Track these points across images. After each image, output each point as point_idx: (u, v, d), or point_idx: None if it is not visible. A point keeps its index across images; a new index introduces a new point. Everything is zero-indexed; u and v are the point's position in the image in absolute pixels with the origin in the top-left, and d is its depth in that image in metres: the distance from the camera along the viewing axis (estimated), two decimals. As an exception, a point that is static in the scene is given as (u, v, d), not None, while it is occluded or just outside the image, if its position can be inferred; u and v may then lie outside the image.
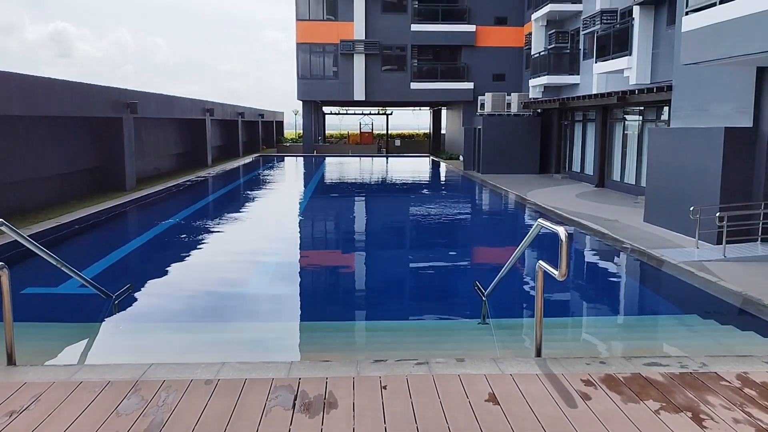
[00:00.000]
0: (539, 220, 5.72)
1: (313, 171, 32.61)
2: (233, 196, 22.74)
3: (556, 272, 4.96)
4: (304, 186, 27.05)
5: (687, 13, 12.47)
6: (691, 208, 11.59)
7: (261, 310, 8.53)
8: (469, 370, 4.97)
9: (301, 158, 39.74)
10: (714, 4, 11.60)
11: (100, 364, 5.20)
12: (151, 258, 12.27)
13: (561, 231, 4.97)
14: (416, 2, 35.72)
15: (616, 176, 22.06)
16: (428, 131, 53.71)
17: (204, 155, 31.81)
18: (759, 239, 11.70)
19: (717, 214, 11.12)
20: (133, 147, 21.30)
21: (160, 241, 13.47)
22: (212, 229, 14.77)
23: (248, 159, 38.02)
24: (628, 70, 19.27)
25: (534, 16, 29.32)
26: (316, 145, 40.74)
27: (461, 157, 33.54)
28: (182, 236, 13.85)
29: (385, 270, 11.33)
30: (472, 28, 35.50)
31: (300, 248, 13.45)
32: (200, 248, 12.78)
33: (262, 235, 14.97)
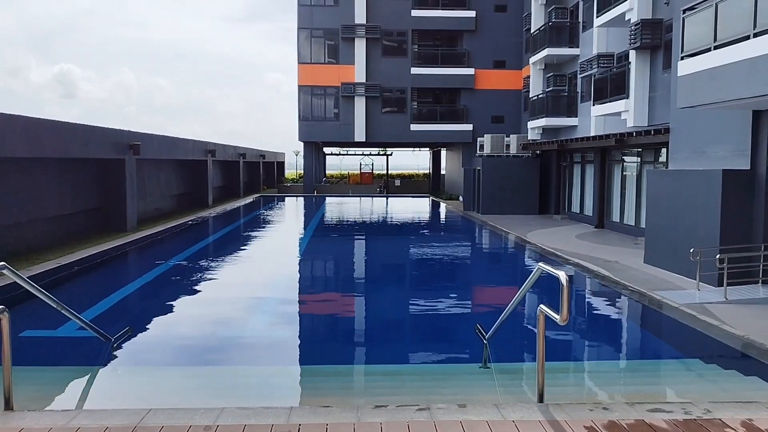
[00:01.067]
0: (540, 264, 5.73)
1: (313, 211, 32.71)
2: (233, 236, 22.76)
3: (557, 317, 4.96)
4: (304, 226, 27.10)
5: (682, 58, 12.71)
6: (691, 250, 11.61)
7: (260, 354, 8.47)
8: (471, 416, 4.92)
9: (302, 198, 39.91)
10: (709, 50, 11.82)
11: (98, 410, 5.15)
12: (151, 300, 12.23)
13: (562, 275, 4.99)
14: (416, 46, 36.36)
15: (616, 217, 22.13)
16: (428, 171, 54.05)
17: (205, 195, 31.95)
18: (760, 281, 11.69)
19: (717, 256, 11.13)
20: (135, 188, 21.42)
21: (160, 283, 13.44)
22: (212, 271, 14.76)
23: (249, 199, 38.18)
24: (626, 112, 19.52)
25: (532, 59, 29.81)
26: (316, 185, 40.97)
27: (461, 198, 33.68)
28: (182, 278, 13.83)
29: (384, 312, 11.28)
30: (470, 71, 36.06)
31: (299, 290, 13.42)
32: (200, 290, 12.74)
33: (261, 277, 14.94)
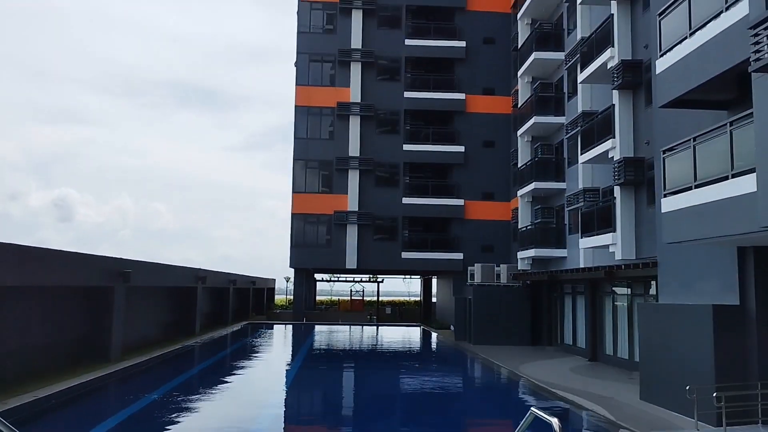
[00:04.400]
0: (532, 408, 5.58)
1: (302, 340, 32.13)
2: (219, 367, 22.16)
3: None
4: (292, 357, 26.50)
5: (665, 195, 13.12)
6: (687, 388, 11.35)
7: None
8: None
9: (291, 326, 39.34)
10: (690, 188, 12.22)
11: None
12: (129, 437, 11.67)
13: (554, 422, 4.84)
14: (407, 177, 37.47)
15: (609, 350, 21.82)
16: (419, 299, 53.82)
17: (192, 323, 31.45)
18: (759, 422, 11.35)
19: (714, 395, 10.87)
20: (122, 316, 21.12)
21: (140, 419, 12.89)
22: (194, 405, 14.22)
23: (237, 326, 37.59)
24: (613, 245, 19.81)
25: (520, 192, 30.67)
26: (306, 312, 40.55)
27: (452, 327, 33.32)
28: (163, 413, 13.29)
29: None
30: (460, 202, 36.95)
31: (285, 423, 12.88)
32: (181, 425, 12.20)
33: (246, 411, 14.38)
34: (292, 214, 37.29)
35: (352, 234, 36.75)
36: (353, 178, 36.98)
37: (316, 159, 37.44)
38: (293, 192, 37.36)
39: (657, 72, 13.58)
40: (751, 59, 9.88)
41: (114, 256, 20.81)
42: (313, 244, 37.22)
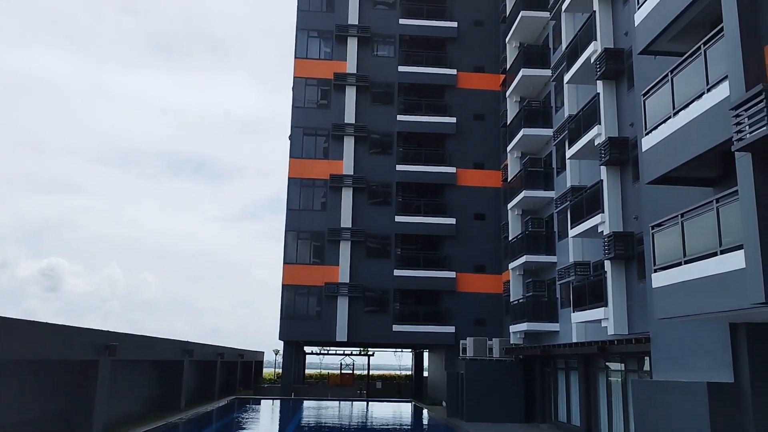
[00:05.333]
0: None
1: (289, 418, 31.24)
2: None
3: None
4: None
5: (655, 271, 13.16)
6: (686, 470, 11.05)
7: None
8: None
9: (279, 402, 38.33)
10: (679, 264, 12.28)
11: None
12: None
13: None
14: (399, 249, 37.50)
15: (604, 427, 21.32)
16: (410, 373, 52.81)
17: (178, 398, 30.61)
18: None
19: (713, 478, 10.57)
20: (105, 392, 20.55)
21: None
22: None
23: (224, 401, 36.59)
24: (606, 320, 19.69)
25: (511, 265, 30.69)
26: (294, 386, 39.62)
27: (444, 403, 32.57)
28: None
29: None
30: (452, 274, 36.85)
31: None
32: None
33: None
34: (283, 285, 37.01)
35: (342, 306, 36.40)
36: (345, 250, 36.96)
37: (308, 230, 37.51)
38: (284, 263, 37.21)
39: (643, 149, 13.88)
40: (733, 139, 10.15)
41: (100, 327, 20.47)
42: (303, 316, 36.80)
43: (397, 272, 36.83)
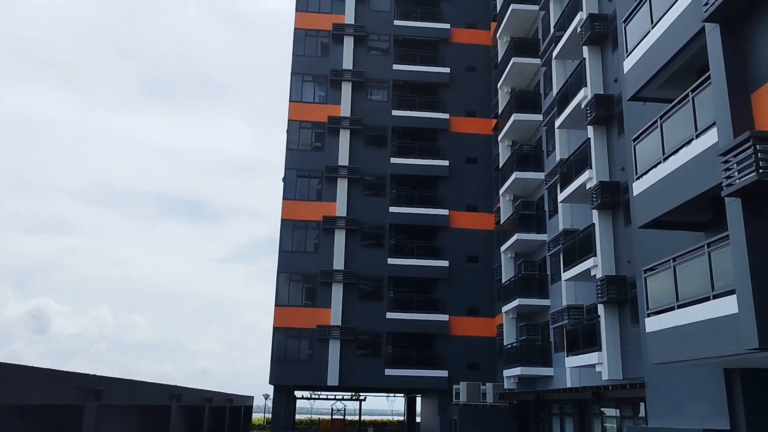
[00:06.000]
0: None
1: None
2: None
3: None
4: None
5: (648, 315, 13.09)
6: None
7: None
8: None
9: (269, 447, 37.47)
10: (672, 308, 12.24)
11: None
12: None
13: None
14: (392, 292, 37.28)
15: (601, 476, 20.92)
16: (403, 419, 51.94)
17: (165, 443, 29.89)
18: None
19: None
20: (90, 436, 20.05)
21: None
22: None
23: (212, 447, 35.73)
24: (600, 365, 19.51)
25: (504, 308, 30.53)
26: (285, 432, 38.81)
27: (437, 450, 31.95)
28: None
29: None
30: (445, 317, 36.56)
31: None
32: None
33: None
34: (274, 328, 36.59)
35: (334, 349, 35.96)
36: (337, 292, 36.71)
37: (300, 272, 37.29)
38: (276, 305, 36.88)
39: (634, 194, 13.98)
40: (723, 184, 10.24)
41: (87, 370, 20.12)
42: (294, 360, 36.30)
43: (389, 315, 36.52)
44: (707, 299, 11.08)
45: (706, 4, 10.97)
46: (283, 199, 38.39)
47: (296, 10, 40.50)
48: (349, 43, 39.87)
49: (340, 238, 37.52)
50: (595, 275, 20.29)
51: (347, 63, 39.69)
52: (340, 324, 36.14)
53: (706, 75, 11.46)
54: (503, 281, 31.36)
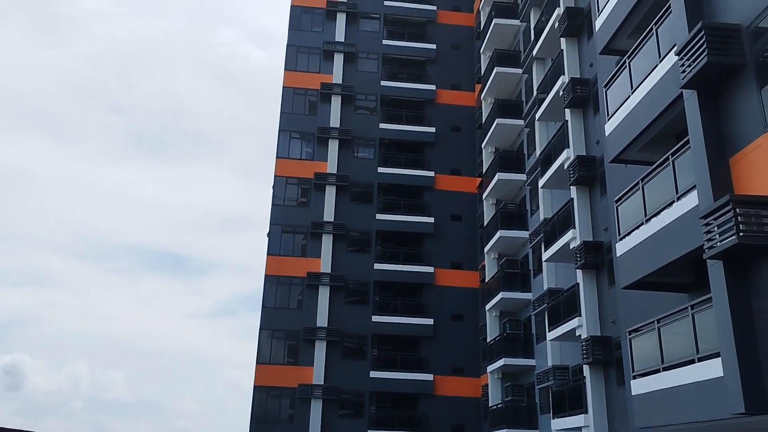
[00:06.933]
0: None
1: None
2: None
3: None
4: None
5: (634, 377, 12.99)
6: None
7: None
8: None
9: None
10: (658, 371, 12.16)
11: None
12: None
13: None
14: (375, 350, 36.77)
15: None
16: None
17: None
18: None
19: None
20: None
21: None
22: None
23: None
24: (586, 428, 19.21)
25: (489, 368, 30.17)
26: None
27: None
28: None
29: None
30: (429, 377, 35.96)
31: None
32: None
33: None
34: (255, 386, 35.77)
35: (316, 410, 35.13)
36: (320, 350, 36.14)
37: (282, 329, 36.75)
38: (257, 362, 36.15)
39: (617, 255, 14.07)
40: (704, 247, 10.34)
41: (60, 429, 19.40)
42: (275, 419, 35.38)
43: (373, 374, 35.91)
44: (692, 362, 11.03)
45: (684, 71, 11.33)
46: (268, 254, 38.17)
47: (285, 69, 41.24)
48: (336, 101, 40.54)
49: (323, 295, 37.17)
50: (580, 335, 20.19)
51: (334, 121, 40.24)
52: (322, 383, 35.43)
53: (686, 139, 11.73)
54: (488, 340, 31.10)
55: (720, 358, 10.11)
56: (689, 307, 11.24)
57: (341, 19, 42.05)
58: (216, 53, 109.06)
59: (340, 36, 41.60)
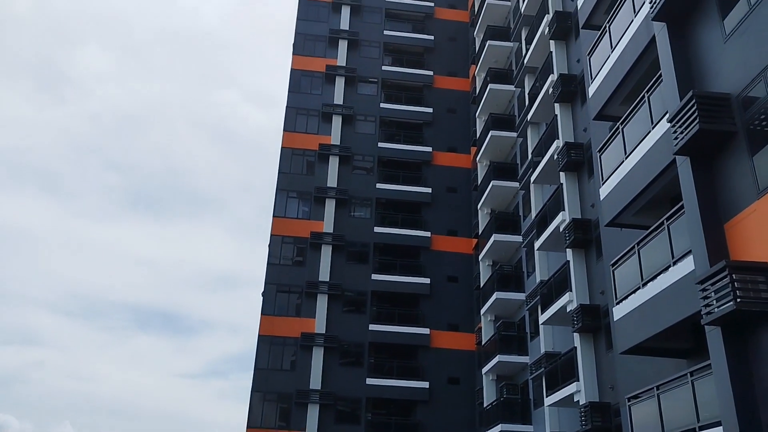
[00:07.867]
0: None
1: None
2: None
3: None
4: None
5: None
6: None
7: None
8: None
9: None
10: (658, 439, 11.87)
11: None
12: None
13: None
14: (369, 415, 35.93)
15: None
16: None
17: None
18: None
19: None
20: None
21: None
22: None
23: None
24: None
25: (486, 434, 29.43)
26: None
27: None
28: None
29: None
30: (424, 442, 35.12)
31: None
32: None
33: None
34: (245, 451, 34.79)
35: (307, 475, 34.07)
36: (312, 414, 35.29)
37: (275, 391, 35.98)
38: (248, 427, 35.22)
39: (615, 319, 13.95)
40: (702, 312, 10.27)
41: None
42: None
43: (366, 438, 35.02)
44: (693, 431, 10.80)
45: (676, 138, 11.52)
46: (262, 314, 37.72)
47: (284, 130, 41.82)
48: (334, 162, 40.97)
49: (318, 356, 36.57)
50: (578, 401, 19.81)
51: (332, 181, 40.56)
52: (314, 447, 34.49)
53: (680, 204, 11.82)
54: (485, 405, 30.47)
55: (721, 428, 9.90)
56: (688, 374, 11.07)
57: (340, 82, 42.94)
58: (215, 113, 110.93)
59: (338, 99, 42.40)
